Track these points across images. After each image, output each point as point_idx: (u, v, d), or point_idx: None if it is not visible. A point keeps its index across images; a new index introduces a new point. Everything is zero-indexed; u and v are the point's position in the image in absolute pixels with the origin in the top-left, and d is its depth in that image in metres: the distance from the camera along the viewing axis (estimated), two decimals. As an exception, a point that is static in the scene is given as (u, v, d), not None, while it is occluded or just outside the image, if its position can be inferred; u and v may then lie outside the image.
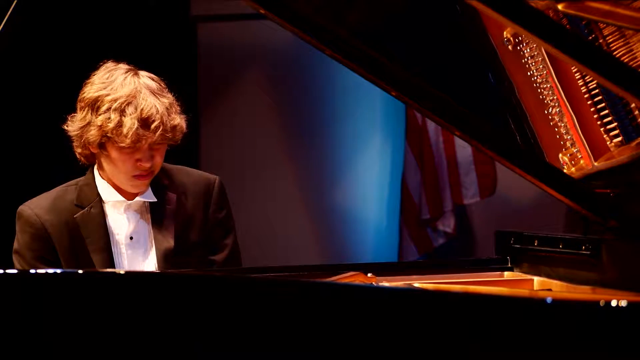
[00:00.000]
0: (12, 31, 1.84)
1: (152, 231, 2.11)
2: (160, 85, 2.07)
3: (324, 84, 4.24)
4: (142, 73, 2.06)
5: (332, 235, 4.44)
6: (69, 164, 2.17)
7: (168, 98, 2.06)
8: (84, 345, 1.48)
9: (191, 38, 4.36)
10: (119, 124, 1.96)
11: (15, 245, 2.12)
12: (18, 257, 2.10)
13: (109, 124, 1.96)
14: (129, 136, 1.95)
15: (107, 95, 1.99)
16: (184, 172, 2.23)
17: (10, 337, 1.38)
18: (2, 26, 1.82)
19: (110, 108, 1.97)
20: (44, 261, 2.06)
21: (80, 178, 2.15)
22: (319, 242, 4.46)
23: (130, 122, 1.95)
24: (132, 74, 2.04)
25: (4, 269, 1.42)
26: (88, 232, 2.08)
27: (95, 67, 2.09)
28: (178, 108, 2.09)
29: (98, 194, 2.10)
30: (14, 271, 1.51)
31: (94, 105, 2.00)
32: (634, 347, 1.50)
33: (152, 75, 2.08)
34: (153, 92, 2.02)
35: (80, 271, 1.55)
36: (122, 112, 1.97)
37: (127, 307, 1.57)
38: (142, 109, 1.97)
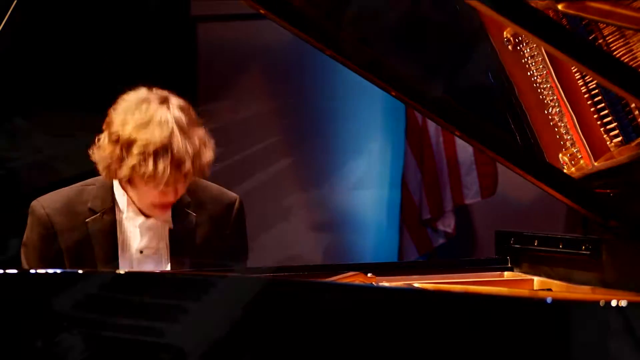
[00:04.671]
0: (12, 31, 1.84)
1: (167, 249, 2.10)
2: (191, 116, 2.02)
3: (324, 84, 4.23)
4: (173, 102, 2.00)
5: (332, 235, 4.44)
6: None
7: (198, 134, 2.01)
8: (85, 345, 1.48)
9: (191, 38, 4.36)
10: (153, 168, 1.92)
11: (25, 238, 2.11)
12: (25, 251, 2.11)
13: (141, 168, 1.92)
14: (161, 181, 1.93)
15: (142, 137, 1.93)
16: (203, 187, 2.17)
17: (10, 337, 1.38)
18: (1, 26, 1.82)
19: (144, 152, 1.92)
20: (49, 262, 2.05)
21: (99, 177, 2.08)
22: (319, 242, 4.46)
23: (162, 168, 1.91)
24: (165, 108, 1.97)
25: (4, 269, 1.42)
26: (97, 240, 2.06)
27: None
28: (208, 141, 2.04)
29: (113, 200, 2.07)
30: (14, 271, 1.51)
31: (127, 144, 1.94)
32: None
33: (182, 104, 2.02)
34: (185, 131, 1.96)
35: (80, 271, 1.55)
36: (155, 157, 1.92)
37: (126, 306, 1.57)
38: (174, 154, 1.93)
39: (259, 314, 1.81)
